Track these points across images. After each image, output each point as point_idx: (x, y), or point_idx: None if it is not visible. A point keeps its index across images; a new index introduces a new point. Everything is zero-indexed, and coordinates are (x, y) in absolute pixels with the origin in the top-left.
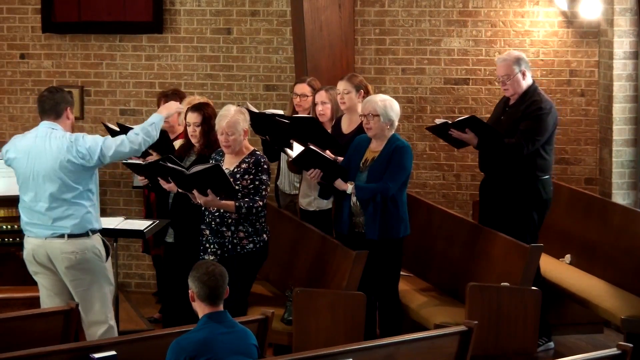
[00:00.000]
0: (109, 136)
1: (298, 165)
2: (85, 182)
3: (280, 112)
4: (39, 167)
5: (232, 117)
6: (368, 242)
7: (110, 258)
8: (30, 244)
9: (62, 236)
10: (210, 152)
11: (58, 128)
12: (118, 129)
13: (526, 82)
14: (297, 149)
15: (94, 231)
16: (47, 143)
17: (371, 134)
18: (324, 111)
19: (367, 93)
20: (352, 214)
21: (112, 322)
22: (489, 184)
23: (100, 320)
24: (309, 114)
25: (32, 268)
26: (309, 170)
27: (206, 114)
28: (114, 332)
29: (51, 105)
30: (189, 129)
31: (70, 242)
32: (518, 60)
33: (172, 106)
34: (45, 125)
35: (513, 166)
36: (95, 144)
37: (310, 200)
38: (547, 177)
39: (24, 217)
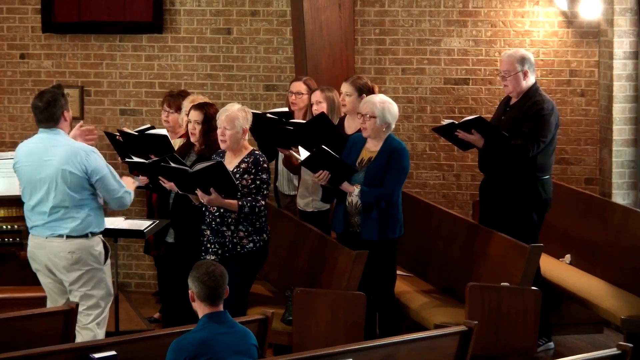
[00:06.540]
0: (114, 175)
1: (307, 166)
2: (87, 191)
3: (285, 109)
4: (41, 173)
5: (232, 112)
6: (364, 242)
7: (109, 260)
8: (32, 242)
9: (60, 236)
10: (210, 152)
11: (60, 133)
12: (118, 134)
13: (527, 83)
14: (303, 153)
15: (94, 234)
16: (51, 150)
17: (366, 135)
18: (318, 111)
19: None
20: (347, 213)
21: (98, 331)
22: (489, 184)
23: (85, 324)
24: (305, 112)
25: (33, 265)
26: (316, 172)
27: (208, 113)
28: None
29: (46, 117)
30: (190, 126)
31: (69, 242)
32: (522, 60)
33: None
34: (46, 132)
35: (513, 166)
36: (100, 168)
37: (308, 201)
38: (547, 177)
39: (27, 219)
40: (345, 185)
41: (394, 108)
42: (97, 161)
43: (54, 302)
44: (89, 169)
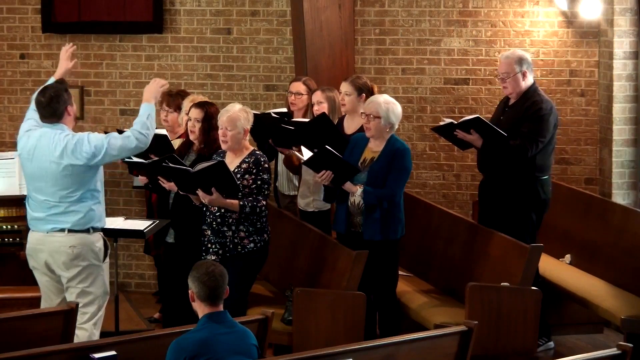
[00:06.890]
0: (114, 133)
1: (310, 166)
2: (89, 182)
3: (284, 109)
4: (42, 168)
5: (234, 113)
6: (365, 243)
7: (108, 258)
8: (33, 238)
9: (62, 230)
10: (209, 151)
11: (63, 128)
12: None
13: (526, 83)
14: (306, 153)
15: (95, 229)
16: (51, 145)
17: (370, 135)
18: (319, 111)
19: (370, 95)
20: (349, 213)
21: (94, 331)
22: (488, 184)
23: (81, 323)
24: (304, 113)
25: (31, 262)
26: (319, 172)
27: (209, 112)
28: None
29: (49, 112)
30: (189, 124)
31: (70, 236)
32: (520, 60)
33: (154, 85)
34: (49, 127)
35: (512, 166)
36: (101, 144)
37: (309, 201)
38: (546, 177)
39: (29, 210)
40: (348, 185)
41: (397, 109)
42: (96, 140)
43: (48, 301)
44: (91, 153)
